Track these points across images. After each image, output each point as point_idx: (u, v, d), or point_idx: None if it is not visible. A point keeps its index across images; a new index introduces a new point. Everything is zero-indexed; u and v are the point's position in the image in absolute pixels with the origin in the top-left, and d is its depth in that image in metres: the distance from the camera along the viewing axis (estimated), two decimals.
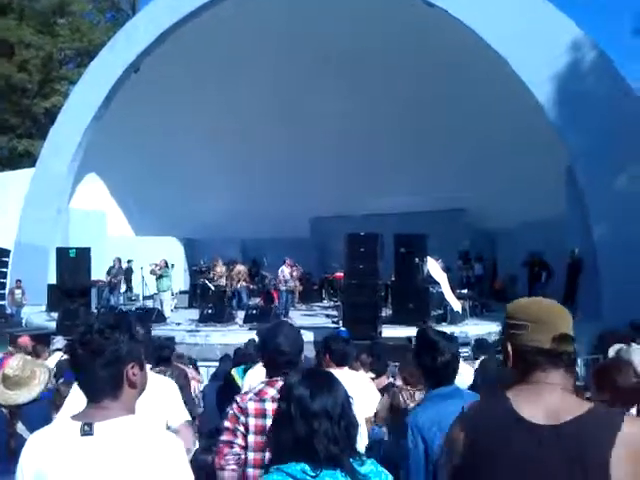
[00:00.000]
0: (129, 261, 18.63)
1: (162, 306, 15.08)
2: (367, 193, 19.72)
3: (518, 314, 1.74)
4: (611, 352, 3.21)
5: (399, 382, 4.61)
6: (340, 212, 20.17)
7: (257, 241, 20.44)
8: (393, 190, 19.40)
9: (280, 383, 2.57)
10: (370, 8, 16.85)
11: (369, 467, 1.81)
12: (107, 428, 1.75)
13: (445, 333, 2.92)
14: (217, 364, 8.17)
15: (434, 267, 13.20)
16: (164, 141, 19.98)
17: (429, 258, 13.21)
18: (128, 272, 18.59)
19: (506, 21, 14.08)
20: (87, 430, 1.74)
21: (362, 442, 4.20)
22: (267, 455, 2.46)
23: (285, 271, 15.50)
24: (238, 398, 2.68)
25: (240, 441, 2.54)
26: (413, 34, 16.71)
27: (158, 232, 20.54)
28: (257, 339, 6.09)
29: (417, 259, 12.87)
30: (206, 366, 8.83)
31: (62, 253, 15.16)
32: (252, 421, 2.56)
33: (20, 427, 3.72)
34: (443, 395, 2.70)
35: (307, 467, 1.74)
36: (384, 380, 5.74)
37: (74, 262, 14.77)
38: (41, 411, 3.92)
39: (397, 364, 6.15)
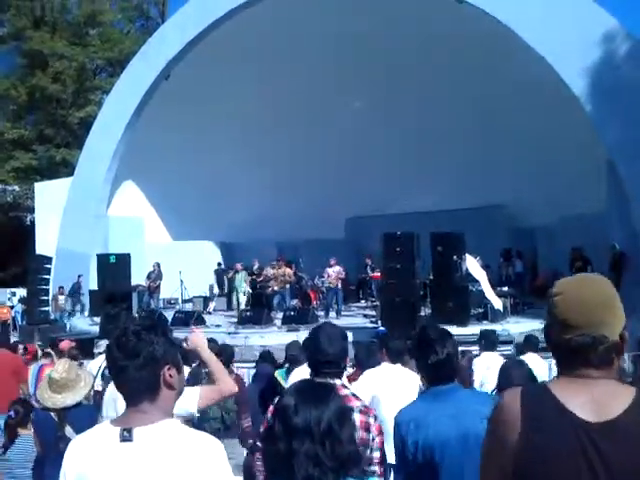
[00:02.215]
0: (219, 264, 19.74)
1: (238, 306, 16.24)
2: (403, 192, 19.61)
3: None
4: None
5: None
6: (376, 212, 20.08)
7: (293, 243, 20.48)
8: (429, 188, 19.27)
9: None
10: (402, 9, 16.74)
11: None
12: (146, 433, 1.74)
13: (444, 331, 2.87)
14: (256, 366, 8.15)
15: (473, 265, 13.03)
16: (198, 146, 20.15)
17: (468, 256, 13.03)
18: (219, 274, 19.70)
19: (539, 14, 13.93)
20: (126, 436, 1.73)
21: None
22: None
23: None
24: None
25: None
26: (448, 32, 16.56)
27: (195, 237, 20.74)
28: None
29: (455, 257, 12.70)
30: (246, 367, 8.84)
31: (102, 259, 15.40)
32: None
33: (68, 430, 3.79)
34: (433, 394, 2.70)
35: None
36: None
37: (114, 268, 14.99)
38: (88, 415, 3.98)
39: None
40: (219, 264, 20.60)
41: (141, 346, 1.80)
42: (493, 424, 1.63)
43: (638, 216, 12.95)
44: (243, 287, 16.69)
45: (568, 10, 13.81)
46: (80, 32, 35.03)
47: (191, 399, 2.80)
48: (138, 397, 1.80)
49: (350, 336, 11.00)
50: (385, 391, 4.38)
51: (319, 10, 17.27)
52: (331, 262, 15.68)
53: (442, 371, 2.71)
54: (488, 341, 6.05)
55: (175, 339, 2.00)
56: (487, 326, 11.34)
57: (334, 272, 15.44)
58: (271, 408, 2.58)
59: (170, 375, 1.83)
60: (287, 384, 5.08)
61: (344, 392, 2.62)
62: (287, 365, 6.08)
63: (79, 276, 17.88)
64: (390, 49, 17.96)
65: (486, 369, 5.43)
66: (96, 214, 18.82)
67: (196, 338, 3.04)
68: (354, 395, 2.74)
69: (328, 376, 2.62)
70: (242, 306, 16.00)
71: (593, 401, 1.52)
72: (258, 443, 2.59)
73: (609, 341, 1.56)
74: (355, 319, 14.59)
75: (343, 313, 15.52)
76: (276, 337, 11.82)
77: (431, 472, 2.57)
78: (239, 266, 17.07)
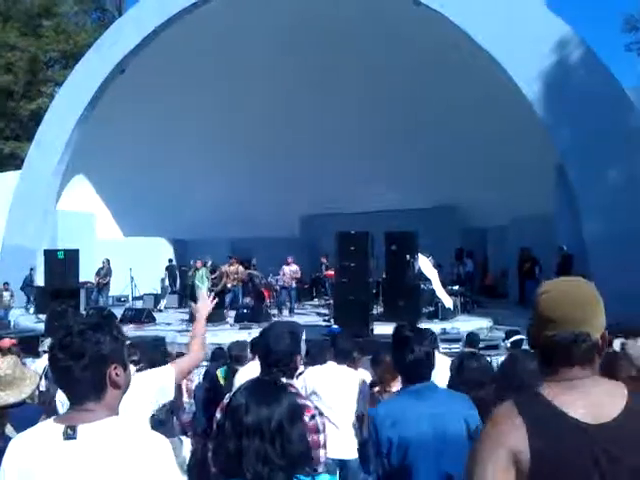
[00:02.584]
0: (170, 260, 19.85)
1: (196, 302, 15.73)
2: (357, 191, 19.74)
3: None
4: (616, 345, 3.18)
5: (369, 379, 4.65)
6: (330, 210, 20.16)
7: (247, 241, 20.36)
8: (384, 188, 19.44)
9: None
10: (363, 8, 16.82)
11: None
12: (90, 431, 1.71)
13: (421, 330, 2.90)
14: (207, 364, 8.10)
15: (425, 264, 13.23)
16: (152, 142, 19.87)
17: (420, 255, 13.22)
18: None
19: (495, 19, 14.12)
20: (70, 434, 1.70)
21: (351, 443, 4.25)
22: None
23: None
24: (226, 400, 2.64)
25: None
26: (404, 33, 16.77)
27: (147, 233, 20.43)
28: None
29: (408, 256, 12.87)
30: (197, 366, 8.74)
31: (50, 255, 15.08)
32: None
33: (9, 429, 3.67)
34: (412, 392, 2.70)
35: None
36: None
37: (62, 264, 14.72)
38: (31, 414, 3.86)
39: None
40: (170, 260, 20.35)
41: (86, 346, 1.76)
42: (488, 437, 1.58)
43: (585, 219, 13.30)
44: (205, 284, 16.39)
45: (523, 15, 14.05)
46: (34, 23, 34.25)
47: (166, 385, 2.72)
48: (83, 397, 1.76)
49: (302, 334, 11.08)
50: (323, 390, 4.37)
51: (281, 5, 17.22)
52: (288, 260, 15.66)
53: (420, 369, 2.72)
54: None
55: (122, 336, 1.95)
56: (437, 324, 11.53)
57: (290, 271, 15.42)
58: (220, 406, 2.57)
59: (116, 374, 1.81)
60: (234, 384, 5.05)
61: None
62: (227, 364, 6.07)
63: (31, 269, 17.43)
64: (344, 50, 18.02)
65: None
66: (45, 209, 18.34)
67: (203, 306, 3.24)
68: (297, 394, 2.74)
69: (277, 375, 2.62)
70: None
71: (590, 404, 1.54)
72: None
73: (591, 339, 1.59)
74: (308, 317, 14.63)
75: (297, 311, 15.51)
76: (228, 335, 11.73)
77: (406, 470, 2.56)
78: (200, 263, 16.76)
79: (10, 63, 31.97)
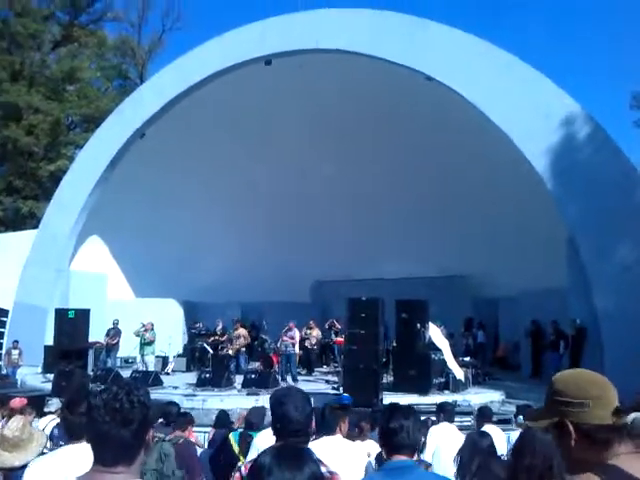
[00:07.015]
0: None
1: (147, 367, 15.88)
2: (369, 258, 19.80)
3: (573, 391, 1.72)
4: (629, 419, 3.16)
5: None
6: (342, 276, 20.17)
7: (257, 304, 20.35)
8: (395, 256, 19.49)
9: None
10: (375, 82, 17.28)
11: None
12: None
13: (403, 406, 2.93)
14: (211, 430, 7.96)
15: (436, 334, 13.10)
16: (165, 205, 20.19)
17: (431, 324, 13.12)
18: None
19: (504, 95, 14.40)
20: None
21: None
22: None
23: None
24: (242, 467, 2.63)
25: None
26: (419, 109, 17.14)
27: (158, 294, 20.47)
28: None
29: (419, 325, 12.77)
30: (203, 432, 8.61)
31: (61, 314, 15.09)
32: None
33: None
34: (392, 468, 2.68)
35: None
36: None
37: (72, 323, 14.70)
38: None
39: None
40: (195, 322, 20.27)
41: (136, 412, 1.70)
42: None
43: (596, 294, 13.19)
44: (150, 348, 16.47)
45: (532, 92, 14.36)
46: (58, 87, 35.39)
47: None
48: (119, 460, 1.68)
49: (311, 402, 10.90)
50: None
51: (293, 83, 17.74)
52: (290, 325, 15.53)
53: (394, 443, 2.70)
54: (446, 413, 5.99)
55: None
56: (448, 396, 11.33)
57: (287, 336, 15.25)
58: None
59: (150, 438, 1.77)
60: (251, 448, 4.95)
61: None
62: (241, 429, 5.95)
63: (14, 341, 17.35)
64: (359, 122, 18.44)
65: (440, 438, 5.37)
66: (58, 268, 18.51)
67: None
68: (319, 461, 2.71)
69: (297, 442, 2.56)
70: (150, 368, 15.80)
71: None
72: None
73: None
74: (317, 385, 14.39)
75: (305, 378, 15.29)
76: (235, 401, 11.59)
77: None
78: (149, 325, 16.66)
79: (33, 125, 32.81)
